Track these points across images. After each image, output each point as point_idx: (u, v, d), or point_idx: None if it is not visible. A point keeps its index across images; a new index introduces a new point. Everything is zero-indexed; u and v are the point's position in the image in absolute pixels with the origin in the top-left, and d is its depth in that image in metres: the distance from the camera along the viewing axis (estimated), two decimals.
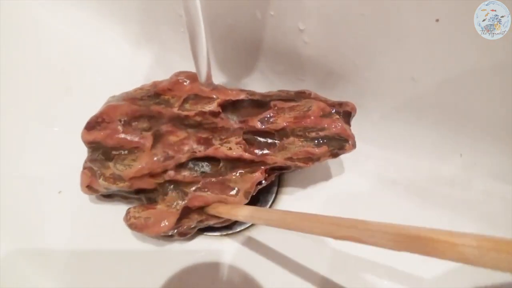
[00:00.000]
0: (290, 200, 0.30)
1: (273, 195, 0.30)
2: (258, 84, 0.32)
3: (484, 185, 0.29)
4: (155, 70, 0.34)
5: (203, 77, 0.25)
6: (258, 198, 0.29)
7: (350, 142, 0.24)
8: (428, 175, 0.30)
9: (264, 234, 0.28)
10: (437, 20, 0.23)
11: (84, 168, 0.27)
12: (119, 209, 0.27)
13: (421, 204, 0.29)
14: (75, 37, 0.35)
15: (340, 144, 0.24)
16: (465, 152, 0.29)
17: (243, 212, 0.24)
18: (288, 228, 0.20)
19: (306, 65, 0.30)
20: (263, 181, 0.26)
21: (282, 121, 0.25)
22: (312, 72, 0.30)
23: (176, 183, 0.26)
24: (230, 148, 0.25)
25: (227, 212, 0.25)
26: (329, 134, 0.24)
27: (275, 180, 0.30)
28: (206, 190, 0.25)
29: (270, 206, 0.30)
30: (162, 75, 0.28)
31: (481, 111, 0.26)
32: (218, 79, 0.31)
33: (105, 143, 0.25)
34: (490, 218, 0.28)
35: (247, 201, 0.25)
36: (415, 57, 0.25)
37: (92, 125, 0.26)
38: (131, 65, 0.35)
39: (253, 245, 0.28)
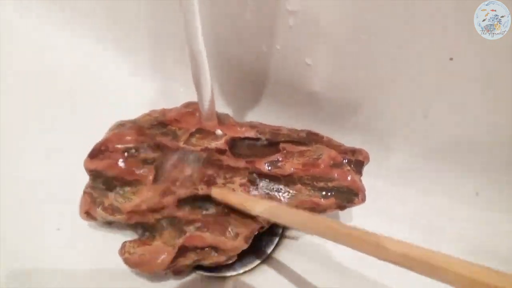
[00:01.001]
0: (295, 244, 0.29)
1: (277, 238, 0.29)
2: (264, 116, 0.31)
3: (500, 224, 0.28)
4: (159, 98, 0.34)
5: (205, 110, 0.24)
6: (261, 238, 0.28)
7: (359, 196, 0.23)
8: (442, 213, 0.29)
9: (269, 275, 0.27)
10: (451, 59, 0.22)
11: (85, 192, 0.26)
12: (116, 241, 0.26)
13: (434, 243, 0.27)
14: (79, 64, 0.35)
15: (349, 197, 0.23)
16: (481, 190, 0.28)
17: (259, 208, 0.21)
18: (314, 234, 0.19)
19: (314, 99, 0.29)
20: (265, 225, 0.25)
21: (290, 167, 0.24)
22: (319, 107, 0.29)
23: (175, 220, 0.25)
24: (233, 190, 0.24)
25: (239, 203, 0.23)
26: (338, 186, 0.23)
27: None
28: (205, 230, 0.24)
29: (275, 248, 0.28)
30: (165, 103, 0.28)
31: (497, 149, 0.25)
32: (223, 110, 0.31)
33: (106, 173, 0.25)
34: (506, 258, 0.26)
35: (247, 245, 0.24)
36: (427, 93, 0.24)
37: (95, 153, 0.25)
38: (135, 93, 0.34)
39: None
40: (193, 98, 0.25)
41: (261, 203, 0.22)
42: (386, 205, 0.29)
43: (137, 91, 0.35)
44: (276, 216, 0.21)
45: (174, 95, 0.32)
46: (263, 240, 0.28)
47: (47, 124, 0.32)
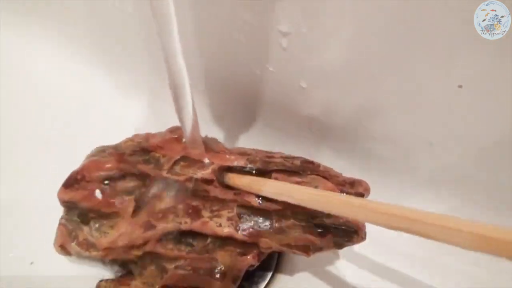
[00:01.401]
0: (290, 279, 0.26)
1: (271, 272, 0.26)
2: (258, 139, 0.29)
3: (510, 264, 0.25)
4: (146, 120, 0.33)
5: (188, 138, 0.22)
6: (253, 274, 0.26)
7: (359, 234, 0.21)
8: (450, 252, 0.26)
9: None
10: (460, 86, 0.21)
11: (60, 224, 0.24)
12: (94, 278, 0.23)
13: (440, 279, 0.26)
14: (65, 84, 0.33)
15: (347, 235, 0.21)
16: None
17: (268, 188, 0.20)
18: (327, 210, 0.18)
19: (309, 123, 0.27)
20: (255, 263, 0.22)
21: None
22: (314, 131, 0.27)
23: (157, 257, 0.22)
24: (220, 225, 0.22)
25: (247, 185, 0.22)
26: (336, 223, 0.21)
27: (273, 255, 0.27)
28: (189, 268, 0.22)
29: (268, 284, 0.26)
30: (153, 125, 0.26)
31: (508, 184, 0.23)
32: (215, 134, 0.29)
33: (82, 205, 0.23)
34: None
35: (235, 286, 0.22)
36: (432, 119, 0.23)
37: (70, 183, 0.23)
38: (120, 115, 0.33)
39: None
40: None
41: (269, 183, 0.21)
42: (388, 240, 0.27)
43: (125, 112, 0.33)
44: (286, 195, 0.20)
45: (161, 115, 0.31)
46: (255, 276, 0.26)
47: (23, 149, 0.30)
